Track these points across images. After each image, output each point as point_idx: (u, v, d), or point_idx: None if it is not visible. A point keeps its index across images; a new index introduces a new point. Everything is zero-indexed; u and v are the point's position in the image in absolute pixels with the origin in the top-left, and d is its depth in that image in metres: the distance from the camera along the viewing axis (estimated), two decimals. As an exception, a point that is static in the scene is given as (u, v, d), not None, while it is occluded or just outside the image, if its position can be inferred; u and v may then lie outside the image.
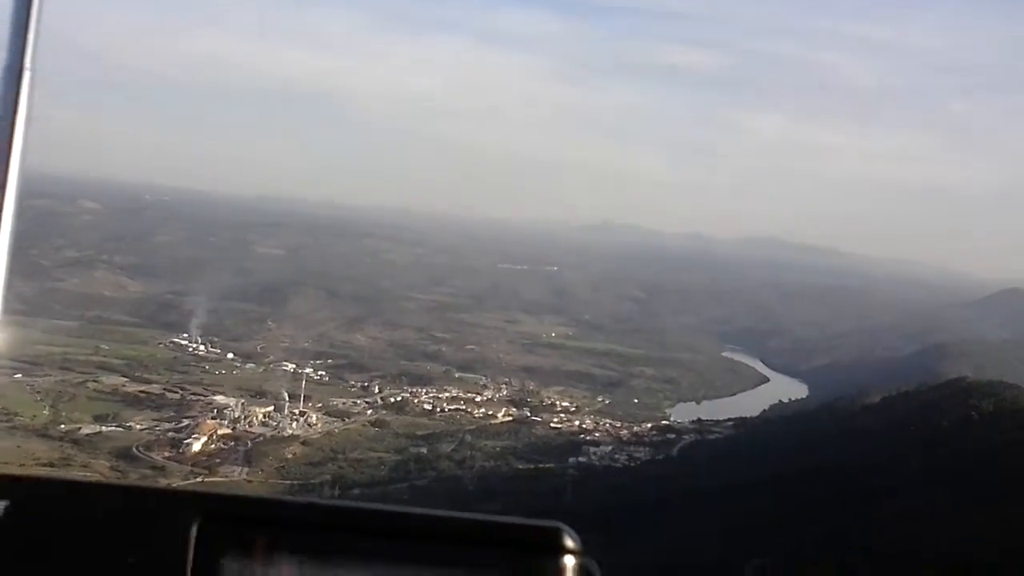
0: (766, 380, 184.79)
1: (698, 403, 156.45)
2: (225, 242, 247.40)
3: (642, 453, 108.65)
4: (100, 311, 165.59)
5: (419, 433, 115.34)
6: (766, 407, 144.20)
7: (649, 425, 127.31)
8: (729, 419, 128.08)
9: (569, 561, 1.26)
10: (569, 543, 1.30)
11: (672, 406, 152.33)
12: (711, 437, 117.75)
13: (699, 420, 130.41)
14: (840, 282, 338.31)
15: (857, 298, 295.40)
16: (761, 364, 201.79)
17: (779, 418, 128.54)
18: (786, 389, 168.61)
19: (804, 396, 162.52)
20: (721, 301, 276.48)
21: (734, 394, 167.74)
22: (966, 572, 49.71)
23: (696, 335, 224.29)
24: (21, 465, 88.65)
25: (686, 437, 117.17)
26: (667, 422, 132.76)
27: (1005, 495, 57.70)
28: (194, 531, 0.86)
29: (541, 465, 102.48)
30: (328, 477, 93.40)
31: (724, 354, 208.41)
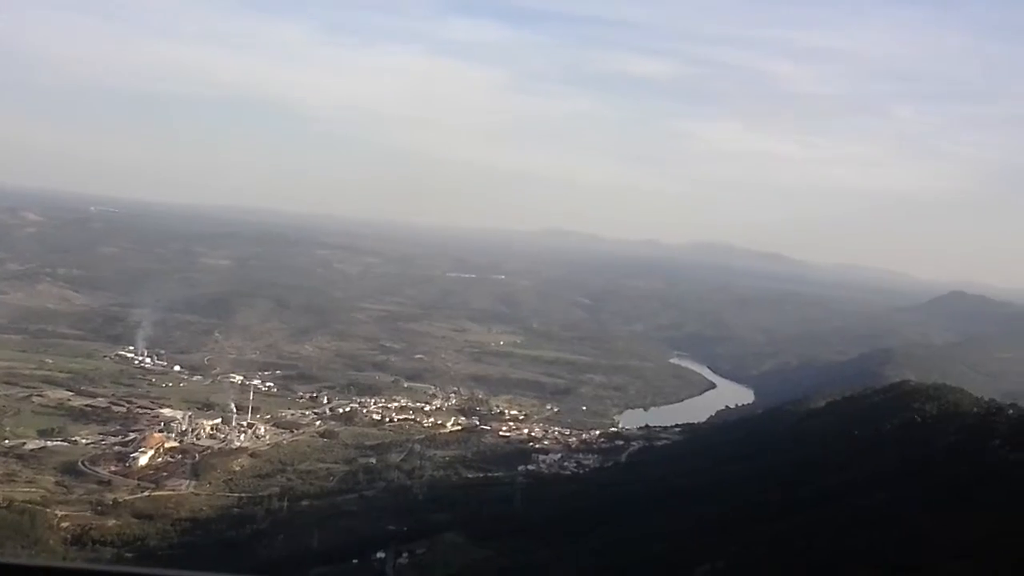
0: (713, 386, 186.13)
1: (646, 410, 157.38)
2: (172, 253, 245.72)
3: (591, 460, 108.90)
4: (44, 324, 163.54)
5: (368, 443, 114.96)
6: (713, 413, 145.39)
7: (598, 432, 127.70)
8: (677, 425, 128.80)
9: None
10: None
11: (620, 413, 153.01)
12: (659, 443, 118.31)
13: (647, 426, 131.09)
14: (788, 287, 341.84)
15: (805, 303, 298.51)
16: (708, 370, 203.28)
17: (726, 423, 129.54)
18: (733, 394, 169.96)
19: (750, 401, 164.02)
20: (670, 307, 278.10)
21: (682, 400, 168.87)
22: (909, 572, 50.30)
23: (645, 342, 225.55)
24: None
25: (634, 443, 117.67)
26: (616, 429, 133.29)
27: (947, 497, 58.48)
28: None
29: (490, 474, 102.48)
30: (276, 489, 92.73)
31: (672, 360, 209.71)
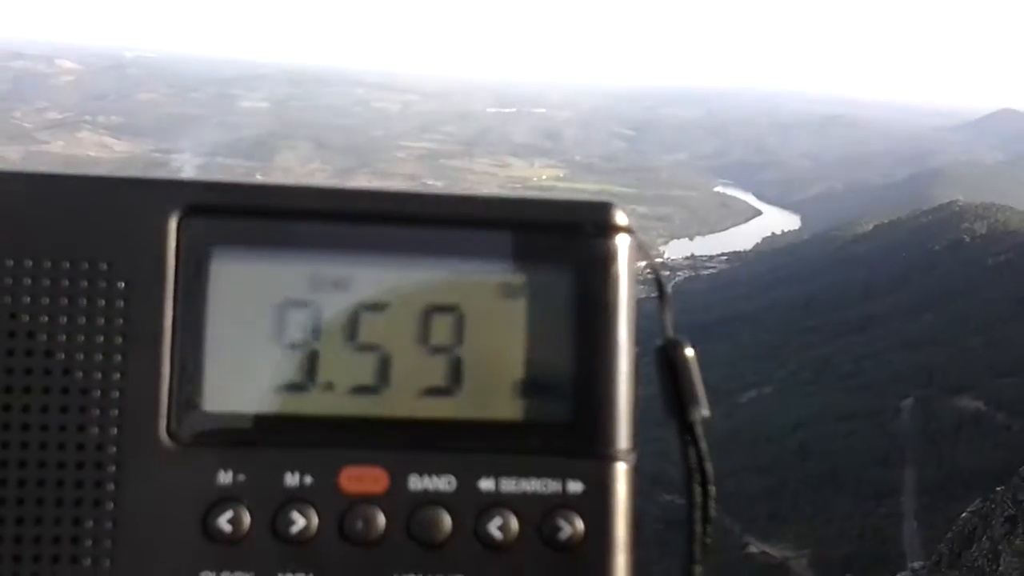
0: (759, 213, 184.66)
1: (691, 239, 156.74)
2: (209, 97, 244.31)
3: (637, 291, 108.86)
4: (87, 172, 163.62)
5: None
6: (759, 240, 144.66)
7: (643, 263, 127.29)
8: (723, 254, 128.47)
9: (622, 241, 0.68)
10: (620, 220, 0.64)
11: (666, 243, 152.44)
12: (706, 272, 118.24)
13: (693, 256, 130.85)
14: (832, 110, 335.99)
15: (849, 125, 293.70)
16: (754, 197, 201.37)
17: (772, 250, 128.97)
18: (779, 221, 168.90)
19: (797, 227, 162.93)
20: (713, 135, 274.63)
21: (727, 228, 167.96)
22: (958, 391, 50.31)
23: (688, 171, 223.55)
24: None
25: (681, 273, 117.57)
26: (661, 259, 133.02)
27: (996, 315, 58.09)
28: (174, 223, 0.73)
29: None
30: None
31: (717, 189, 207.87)
